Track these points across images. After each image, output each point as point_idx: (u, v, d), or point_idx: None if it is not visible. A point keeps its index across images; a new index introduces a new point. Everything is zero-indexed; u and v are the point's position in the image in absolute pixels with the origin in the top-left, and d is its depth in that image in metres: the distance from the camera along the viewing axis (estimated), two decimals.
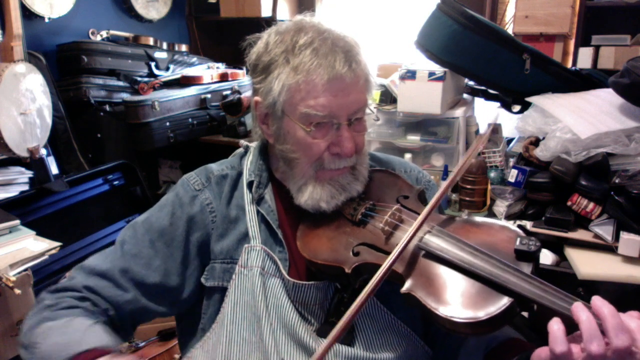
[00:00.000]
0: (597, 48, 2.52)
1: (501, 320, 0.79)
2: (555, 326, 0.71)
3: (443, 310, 0.80)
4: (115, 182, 2.59)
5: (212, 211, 1.06)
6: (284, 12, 3.32)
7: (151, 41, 3.05)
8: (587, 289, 1.56)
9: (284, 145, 1.00)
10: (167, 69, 3.08)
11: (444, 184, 0.97)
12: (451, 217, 0.99)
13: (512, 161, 1.94)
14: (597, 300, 0.71)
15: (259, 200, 1.05)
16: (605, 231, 1.59)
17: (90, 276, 1.00)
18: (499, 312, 0.78)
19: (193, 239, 1.05)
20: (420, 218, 0.90)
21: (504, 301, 0.79)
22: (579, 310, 0.71)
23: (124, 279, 1.00)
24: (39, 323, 0.92)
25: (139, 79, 2.83)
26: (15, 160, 2.16)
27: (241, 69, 3.24)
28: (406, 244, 0.86)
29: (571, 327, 0.71)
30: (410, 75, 2.16)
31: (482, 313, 0.78)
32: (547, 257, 1.65)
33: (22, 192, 2.16)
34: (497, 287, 0.80)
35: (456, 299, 0.82)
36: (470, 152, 1.03)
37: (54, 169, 2.33)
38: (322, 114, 0.93)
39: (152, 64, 2.99)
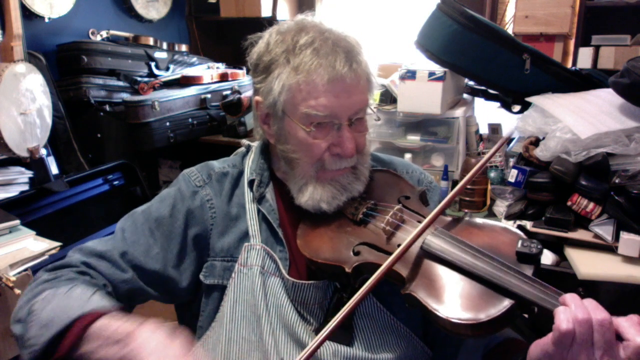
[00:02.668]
0: (597, 48, 2.52)
1: (502, 322, 0.79)
2: (561, 310, 0.73)
3: (444, 312, 0.80)
4: (115, 182, 2.59)
5: (212, 207, 1.06)
6: (284, 12, 3.32)
7: (151, 41, 3.05)
8: (587, 289, 1.56)
9: (284, 146, 1.00)
10: (167, 69, 3.08)
11: (452, 192, 0.96)
12: (453, 218, 0.99)
13: (512, 161, 1.94)
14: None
15: (260, 199, 1.05)
16: (605, 231, 1.59)
17: (89, 256, 1.00)
18: (500, 314, 0.78)
19: (191, 232, 1.05)
20: (425, 222, 0.90)
21: (505, 303, 0.79)
22: (564, 296, 0.76)
23: (123, 260, 1.00)
24: (37, 294, 0.91)
25: (139, 79, 2.83)
26: (15, 160, 2.16)
27: (241, 69, 3.24)
28: (408, 246, 0.86)
29: None
30: (410, 75, 2.16)
31: (483, 315, 0.78)
32: (547, 257, 1.65)
33: (22, 192, 2.16)
34: (498, 289, 0.80)
35: (457, 301, 0.82)
36: (485, 160, 1.04)
37: (54, 169, 2.32)
38: (323, 114, 0.93)
39: (152, 64, 2.98)
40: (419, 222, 0.96)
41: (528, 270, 0.83)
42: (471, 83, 2.34)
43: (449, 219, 0.98)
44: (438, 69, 2.10)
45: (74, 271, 0.96)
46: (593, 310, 0.72)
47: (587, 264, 1.56)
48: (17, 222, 1.85)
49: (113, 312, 0.85)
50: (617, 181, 1.55)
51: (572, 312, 0.72)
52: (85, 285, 0.92)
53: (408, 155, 2.25)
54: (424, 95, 2.14)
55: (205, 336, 1.02)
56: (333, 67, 0.91)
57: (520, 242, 0.86)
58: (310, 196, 0.99)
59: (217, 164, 1.13)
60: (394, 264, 0.85)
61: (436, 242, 0.90)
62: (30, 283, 0.97)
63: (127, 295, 1.00)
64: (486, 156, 1.04)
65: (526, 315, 1.77)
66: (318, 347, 0.79)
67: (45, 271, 0.98)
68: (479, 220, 0.97)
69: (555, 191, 1.70)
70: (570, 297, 0.74)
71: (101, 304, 0.87)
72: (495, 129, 2.30)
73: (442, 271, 0.87)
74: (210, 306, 1.04)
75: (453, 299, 0.82)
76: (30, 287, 0.95)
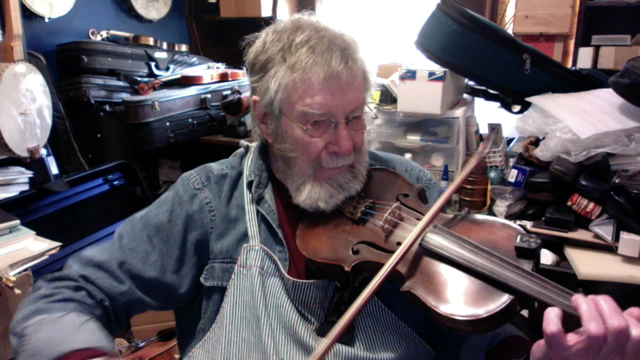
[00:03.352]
0: (597, 48, 2.52)
1: (501, 318, 0.79)
2: (551, 310, 0.71)
3: (443, 308, 0.80)
4: (115, 182, 2.59)
5: (211, 210, 1.06)
6: (284, 12, 3.32)
7: (151, 41, 3.05)
8: (587, 289, 1.56)
9: (282, 145, 1.00)
10: (167, 69, 3.08)
11: (449, 188, 0.96)
12: (453, 215, 0.98)
13: (512, 161, 1.94)
14: (590, 296, 0.73)
15: (258, 200, 1.05)
16: (605, 231, 1.59)
17: (87, 266, 1.00)
18: (500, 309, 0.78)
19: (191, 237, 1.04)
20: (425, 219, 0.89)
21: (504, 298, 0.79)
22: (577, 297, 0.72)
23: (121, 271, 1.00)
24: (32, 314, 0.91)
25: (139, 79, 2.83)
26: (15, 160, 2.16)
27: (241, 69, 3.23)
28: (409, 246, 0.86)
29: (570, 325, 0.71)
30: (410, 75, 2.16)
31: (483, 310, 0.78)
32: (547, 257, 1.65)
33: (22, 192, 2.16)
34: (498, 285, 0.80)
35: (456, 297, 0.82)
36: (481, 152, 1.03)
37: (54, 169, 2.33)
38: (319, 112, 0.93)
39: (152, 64, 2.99)
40: (418, 219, 0.96)
41: (527, 266, 0.82)
42: (471, 83, 2.34)
43: (448, 216, 0.98)
44: (438, 69, 2.10)
45: (71, 287, 0.96)
46: (610, 316, 0.68)
47: (587, 264, 1.56)
48: (17, 222, 1.85)
49: (103, 354, 0.85)
50: (617, 181, 1.55)
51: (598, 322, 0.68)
52: (78, 312, 0.92)
53: (408, 155, 2.25)
54: (424, 95, 2.14)
55: (205, 338, 1.02)
56: (329, 65, 0.91)
57: (519, 237, 0.86)
58: (308, 195, 0.99)
59: (215, 166, 1.12)
60: (396, 265, 0.85)
61: (435, 239, 0.90)
62: (30, 293, 0.98)
63: (125, 308, 1.01)
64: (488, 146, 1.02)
65: (526, 314, 1.77)
66: (325, 353, 0.79)
67: (45, 281, 0.98)
68: (478, 216, 0.97)
69: (555, 191, 1.70)
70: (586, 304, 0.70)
71: (90, 341, 0.86)
72: (495, 128, 2.30)
73: (441, 268, 0.87)
74: (211, 308, 1.04)
75: (452, 296, 0.82)
76: (28, 300, 0.95)
